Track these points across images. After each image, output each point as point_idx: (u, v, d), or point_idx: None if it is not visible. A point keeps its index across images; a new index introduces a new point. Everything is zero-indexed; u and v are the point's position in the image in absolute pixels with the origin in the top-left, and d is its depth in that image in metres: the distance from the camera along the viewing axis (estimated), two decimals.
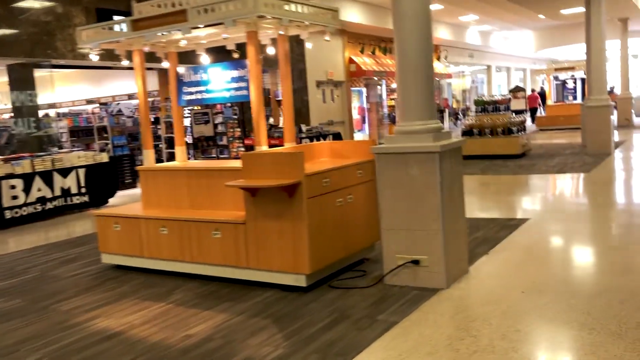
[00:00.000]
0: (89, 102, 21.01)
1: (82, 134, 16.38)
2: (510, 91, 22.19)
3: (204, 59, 6.42)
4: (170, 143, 16.23)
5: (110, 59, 10.25)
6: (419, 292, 4.48)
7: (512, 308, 4.10)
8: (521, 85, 26.34)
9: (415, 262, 4.60)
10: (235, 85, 5.66)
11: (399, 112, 4.75)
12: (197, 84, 5.95)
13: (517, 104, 21.78)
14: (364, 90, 20.32)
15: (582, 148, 13.67)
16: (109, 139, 15.36)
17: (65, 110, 20.49)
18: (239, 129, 15.41)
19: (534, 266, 5.13)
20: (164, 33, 5.45)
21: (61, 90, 21.93)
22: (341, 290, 4.71)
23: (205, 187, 5.51)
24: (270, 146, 13.74)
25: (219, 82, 5.81)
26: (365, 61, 19.17)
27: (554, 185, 9.79)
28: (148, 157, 6.81)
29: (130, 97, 20.20)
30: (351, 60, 18.73)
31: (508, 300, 4.25)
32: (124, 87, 20.26)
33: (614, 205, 8.09)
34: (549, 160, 12.57)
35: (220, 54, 7.15)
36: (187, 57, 7.51)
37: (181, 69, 6.21)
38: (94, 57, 6.20)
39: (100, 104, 17.68)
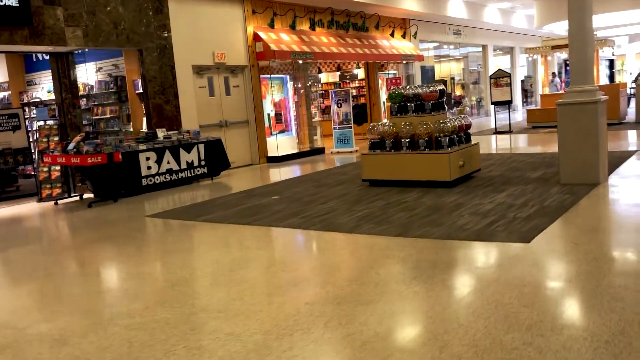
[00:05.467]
0: None
1: None
2: (491, 77, 16.81)
3: None
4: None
5: None
6: None
7: None
8: (506, 69, 20.98)
9: None
10: None
11: None
12: None
13: (500, 94, 16.43)
14: (288, 78, 15.29)
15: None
16: None
17: None
18: (56, 138, 10.58)
19: None
20: None
21: None
22: None
23: None
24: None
25: None
26: (282, 38, 14.06)
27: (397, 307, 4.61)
28: None
29: None
30: (257, 37, 13.67)
31: None
32: None
33: None
34: (491, 195, 7.44)
35: None
36: None
37: None
38: None
39: None
